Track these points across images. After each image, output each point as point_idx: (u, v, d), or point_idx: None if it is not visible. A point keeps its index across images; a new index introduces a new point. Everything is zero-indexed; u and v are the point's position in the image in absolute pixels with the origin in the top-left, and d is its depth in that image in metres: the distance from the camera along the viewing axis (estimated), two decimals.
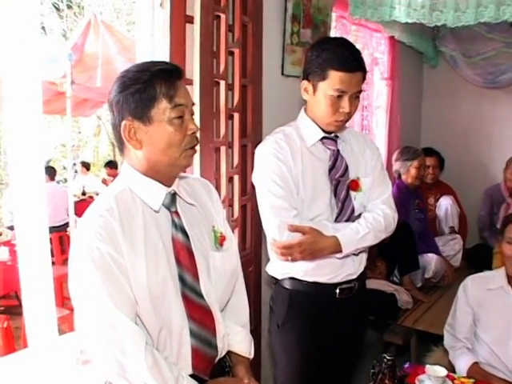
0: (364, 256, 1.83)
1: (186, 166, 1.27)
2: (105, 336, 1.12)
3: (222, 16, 1.99)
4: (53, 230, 4.78)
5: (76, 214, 4.50)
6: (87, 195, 7.20)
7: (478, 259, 3.64)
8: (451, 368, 2.01)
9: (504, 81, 4.25)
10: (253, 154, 1.82)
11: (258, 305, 2.36)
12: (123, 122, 1.17)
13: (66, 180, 7.50)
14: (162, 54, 1.85)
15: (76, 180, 7.53)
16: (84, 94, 5.21)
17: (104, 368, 1.18)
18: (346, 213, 1.73)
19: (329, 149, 1.75)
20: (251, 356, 1.45)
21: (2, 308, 4.47)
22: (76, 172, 8.21)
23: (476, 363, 1.97)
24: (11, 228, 5.26)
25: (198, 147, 1.28)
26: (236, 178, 2.18)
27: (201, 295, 1.26)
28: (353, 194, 1.75)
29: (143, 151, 1.19)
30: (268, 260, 1.87)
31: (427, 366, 1.64)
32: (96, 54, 4.68)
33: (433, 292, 3.31)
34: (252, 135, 2.23)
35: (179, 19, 1.86)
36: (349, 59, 1.60)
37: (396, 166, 3.38)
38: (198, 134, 1.25)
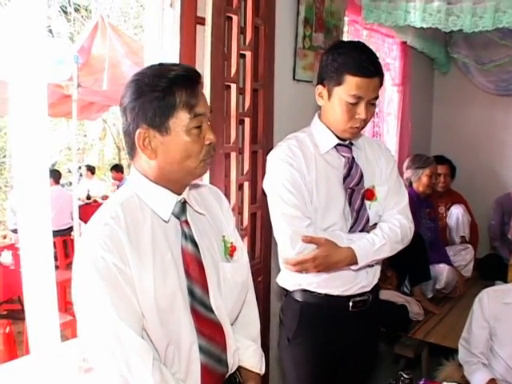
0: (378, 268, 1.78)
1: (202, 175, 1.21)
2: (109, 349, 1.06)
3: (234, 17, 1.96)
4: (57, 233, 4.75)
5: (80, 218, 4.46)
6: (92, 199, 7.20)
7: (490, 270, 3.60)
8: (465, 383, 1.96)
9: None
10: (263, 160, 1.78)
11: (267, 317, 2.30)
12: (138, 131, 1.11)
13: (70, 183, 7.48)
14: (172, 56, 1.81)
15: (81, 184, 7.52)
16: (90, 97, 5.21)
17: (108, 382, 1.11)
18: (360, 223, 1.67)
19: (343, 156, 1.69)
20: (262, 372, 1.40)
21: (5, 312, 4.44)
22: (81, 176, 8.20)
23: (493, 379, 1.90)
24: (15, 231, 5.22)
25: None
26: (246, 184, 2.14)
27: (211, 309, 1.20)
28: (367, 203, 1.69)
29: (157, 160, 1.13)
30: (278, 270, 1.82)
31: None
32: (103, 57, 4.65)
33: (444, 303, 3.26)
34: (263, 141, 2.18)
35: (190, 20, 1.83)
36: (366, 63, 1.54)
37: (407, 173, 3.33)
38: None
